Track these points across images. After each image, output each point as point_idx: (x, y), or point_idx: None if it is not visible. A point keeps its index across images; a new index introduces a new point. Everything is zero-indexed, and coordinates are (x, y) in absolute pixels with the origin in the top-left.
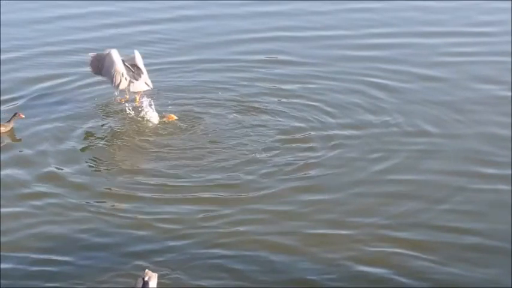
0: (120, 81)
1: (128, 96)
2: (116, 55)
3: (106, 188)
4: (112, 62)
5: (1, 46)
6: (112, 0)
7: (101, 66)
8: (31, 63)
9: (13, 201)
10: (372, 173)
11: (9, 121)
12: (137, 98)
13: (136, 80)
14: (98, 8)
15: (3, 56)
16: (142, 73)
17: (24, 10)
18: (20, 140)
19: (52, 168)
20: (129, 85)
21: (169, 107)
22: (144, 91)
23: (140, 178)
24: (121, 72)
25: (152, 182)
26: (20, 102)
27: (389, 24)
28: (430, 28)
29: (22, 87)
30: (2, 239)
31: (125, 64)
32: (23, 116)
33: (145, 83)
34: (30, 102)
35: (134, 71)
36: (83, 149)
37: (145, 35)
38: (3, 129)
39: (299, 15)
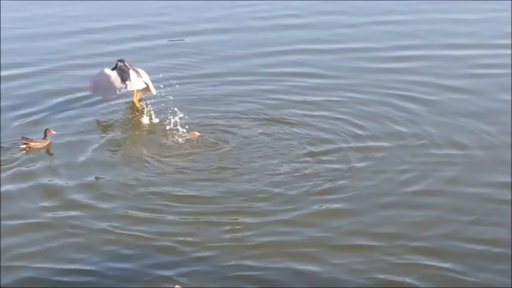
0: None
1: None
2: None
3: (129, 202)
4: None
5: (25, 60)
6: (136, 12)
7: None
8: (54, 76)
9: (35, 213)
10: (404, 186)
11: (44, 137)
12: (136, 98)
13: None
14: (123, 22)
15: (27, 70)
16: (139, 73)
17: (48, 24)
18: (52, 154)
19: (71, 182)
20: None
21: (195, 120)
22: (141, 90)
23: (164, 191)
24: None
25: (176, 195)
26: (41, 115)
27: (416, 37)
28: (457, 40)
29: (43, 101)
30: (24, 250)
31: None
32: (54, 132)
33: (142, 81)
34: (51, 115)
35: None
36: (103, 164)
37: (170, 48)
38: (39, 144)
39: (325, 28)
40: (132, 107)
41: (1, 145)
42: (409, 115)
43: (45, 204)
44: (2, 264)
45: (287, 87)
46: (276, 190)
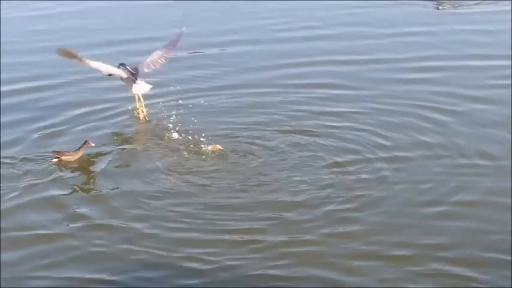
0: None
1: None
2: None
3: (147, 215)
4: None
5: (46, 72)
6: (155, 24)
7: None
8: (75, 89)
9: (54, 224)
10: (436, 196)
11: (78, 149)
12: (140, 102)
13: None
14: (143, 34)
15: (48, 82)
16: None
17: (69, 37)
18: (85, 167)
19: (86, 195)
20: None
21: (218, 132)
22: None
23: (185, 203)
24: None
25: (197, 208)
26: (60, 128)
27: (438, 47)
28: (480, 51)
29: (62, 113)
30: (46, 260)
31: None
32: (93, 144)
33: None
34: (70, 127)
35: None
36: (119, 178)
37: (191, 60)
38: (71, 157)
39: (348, 39)
40: (146, 119)
41: (23, 157)
42: (434, 126)
43: (59, 216)
44: (19, 275)
45: (310, 98)
46: (303, 201)
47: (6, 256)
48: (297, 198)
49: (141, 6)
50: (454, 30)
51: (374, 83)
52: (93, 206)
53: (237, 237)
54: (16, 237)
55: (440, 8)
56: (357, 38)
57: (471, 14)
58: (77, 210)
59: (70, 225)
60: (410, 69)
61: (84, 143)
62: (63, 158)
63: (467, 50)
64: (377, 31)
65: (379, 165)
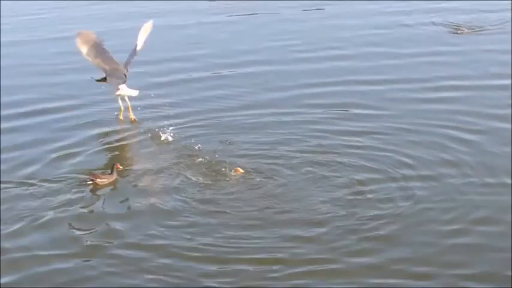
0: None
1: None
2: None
3: (170, 242)
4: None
5: (69, 93)
6: (176, 46)
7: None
8: (97, 109)
9: (65, 244)
10: (463, 215)
11: (111, 173)
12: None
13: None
14: (164, 55)
15: (66, 103)
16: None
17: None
18: (108, 194)
19: (103, 215)
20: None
21: (238, 152)
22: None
23: (202, 224)
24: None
25: (215, 234)
26: (78, 149)
27: (460, 67)
28: (502, 69)
29: (81, 133)
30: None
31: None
32: (121, 167)
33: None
34: (88, 148)
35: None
36: (135, 198)
37: (211, 80)
38: (105, 180)
39: (368, 59)
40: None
41: (42, 178)
42: (459, 145)
43: (65, 237)
44: None
45: (331, 118)
46: (327, 221)
47: (8, 278)
48: (320, 218)
49: (160, 28)
50: (475, 50)
51: (396, 103)
52: (104, 227)
53: (257, 256)
54: (18, 259)
55: (458, 32)
56: (377, 58)
57: (491, 35)
58: (86, 231)
59: (76, 246)
60: (433, 88)
61: (113, 166)
62: (98, 180)
63: (489, 68)
64: (398, 51)
65: (404, 184)
